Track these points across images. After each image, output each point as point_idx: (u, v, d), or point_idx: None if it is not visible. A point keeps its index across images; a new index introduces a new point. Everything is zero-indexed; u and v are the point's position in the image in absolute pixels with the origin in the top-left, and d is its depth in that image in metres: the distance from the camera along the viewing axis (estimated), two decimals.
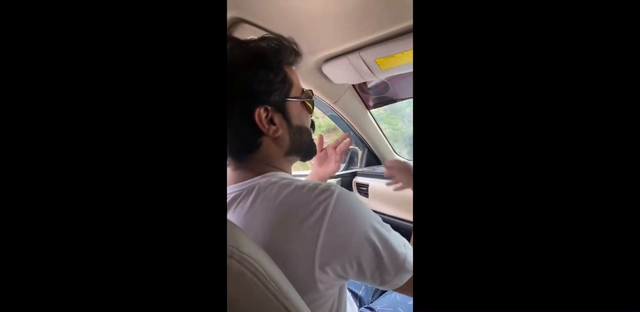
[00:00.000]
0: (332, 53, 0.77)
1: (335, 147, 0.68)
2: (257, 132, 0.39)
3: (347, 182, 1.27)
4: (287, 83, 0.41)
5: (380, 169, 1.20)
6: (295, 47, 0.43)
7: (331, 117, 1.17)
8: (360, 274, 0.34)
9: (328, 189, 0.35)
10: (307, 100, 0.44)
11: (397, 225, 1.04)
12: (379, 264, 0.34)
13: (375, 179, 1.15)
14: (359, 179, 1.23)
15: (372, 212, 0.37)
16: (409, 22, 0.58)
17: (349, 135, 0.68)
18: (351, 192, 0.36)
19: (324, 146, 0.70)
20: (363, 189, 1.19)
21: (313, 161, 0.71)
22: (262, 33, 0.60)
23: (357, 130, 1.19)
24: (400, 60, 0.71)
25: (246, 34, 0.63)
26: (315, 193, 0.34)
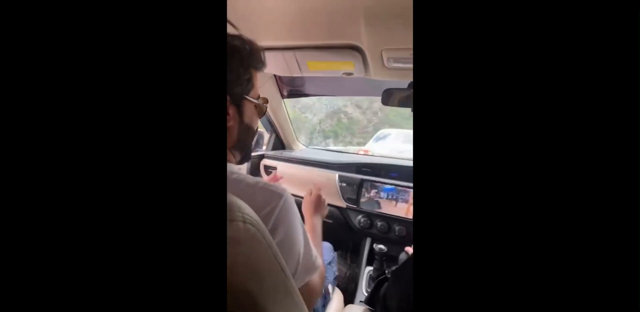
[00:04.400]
0: (270, 45, 0.80)
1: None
2: None
3: (255, 163, 1.31)
4: (250, 83, 0.44)
5: (286, 153, 1.30)
6: (263, 56, 0.46)
7: None
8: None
9: (279, 192, 0.40)
10: (262, 104, 0.47)
11: (299, 203, 1.18)
12: (296, 264, 0.42)
13: (283, 162, 1.25)
14: (266, 162, 1.30)
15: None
16: (347, 41, 0.68)
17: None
18: (293, 200, 0.43)
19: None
20: (270, 171, 1.26)
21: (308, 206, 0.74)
22: None
23: (271, 115, 1.23)
24: (328, 67, 0.80)
25: None
26: (266, 194, 0.40)
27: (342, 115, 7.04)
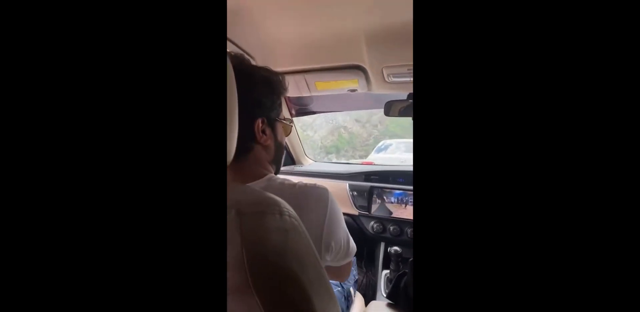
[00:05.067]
0: (281, 71, 0.89)
1: None
2: (252, 138, 0.47)
3: None
4: (281, 107, 0.52)
5: (297, 168, 1.37)
6: (286, 83, 0.54)
7: None
8: (335, 254, 0.49)
9: (324, 188, 0.48)
10: (288, 123, 0.55)
11: None
12: (344, 247, 0.50)
13: (295, 176, 1.31)
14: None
15: None
16: (351, 62, 0.77)
17: None
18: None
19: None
20: None
21: None
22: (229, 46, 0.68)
23: None
24: (335, 86, 0.90)
25: None
26: (317, 190, 0.47)
27: (343, 130, 7.15)
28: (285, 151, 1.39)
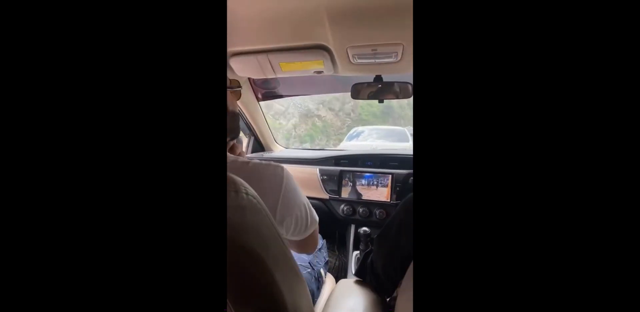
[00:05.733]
0: (243, 50, 0.84)
1: None
2: None
3: None
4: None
5: (266, 155, 1.34)
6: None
7: None
8: (294, 229, 0.49)
9: (278, 166, 0.47)
10: (236, 89, 0.53)
11: None
12: (302, 221, 0.50)
13: None
14: None
15: None
16: (315, 41, 0.74)
17: None
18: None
19: None
20: None
21: None
22: None
23: (248, 118, 1.27)
24: (300, 67, 0.87)
25: None
26: (270, 168, 0.46)
27: (316, 119, 7.13)
28: (252, 138, 1.37)
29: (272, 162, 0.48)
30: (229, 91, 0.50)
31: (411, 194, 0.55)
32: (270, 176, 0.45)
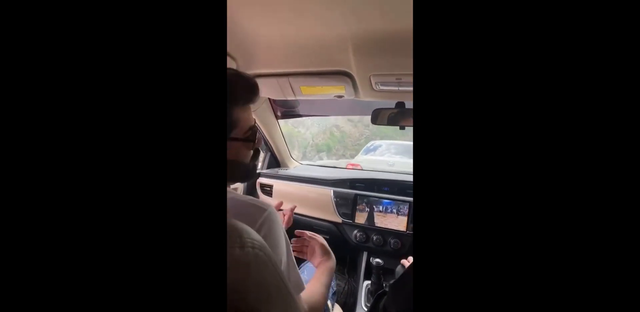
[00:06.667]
0: (265, 72, 0.84)
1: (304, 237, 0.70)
2: None
3: (251, 182, 1.32)
4: (230, 123, 0.42)
5: (281, 171, 1.33)
6: (253, 86, 0.45)
7: None
8: None
9: (260, 207, 0.43)
10: (245, 140, 0.45)
11: (297, 220, 1.20)
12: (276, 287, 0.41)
13: (278, 180, 1.27)
14: (262, 180, 1.31)
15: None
16: (338, 67, 0.73)
17: (292, 208, 0.73)
18: (278, 215, 0.45)
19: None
20: (267, 189, 1.28)
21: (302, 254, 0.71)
22: None
23: (266, 136, 1.27)
24: (321, 91, 0.85)
25: None
26: (250, 209, 0.42)
27: (335, 129, 7.13)
28: (268, 154, 1.37)
29: (259, 202, 0.43)
30: (249, 107, 0.46)
31: None
32: (246, 215, 0.41)
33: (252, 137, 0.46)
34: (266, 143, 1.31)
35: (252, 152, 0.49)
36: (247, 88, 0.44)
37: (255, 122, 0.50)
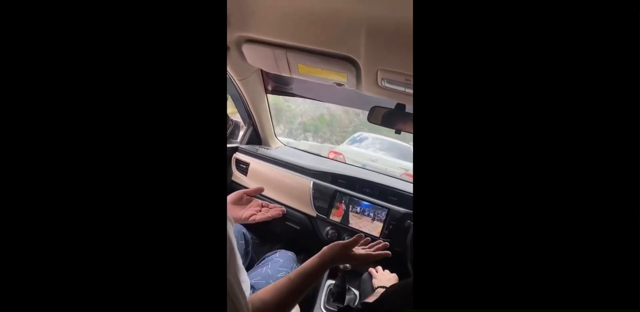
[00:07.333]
0: (260, 38, 0.72)
1: (249, 195, 0.64)
2: None
3: (227, 156, 1.23)
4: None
5: (262, 150, 1.23)
6: None
7: (232, 96, 1.10)
8: None
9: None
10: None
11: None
12: None
13: (257, 159, 1.18)
14: (239, 156, 1.22)
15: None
16: (344, 52, 0.62)
17: (282, 211, 0.62)
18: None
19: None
20: (243, 167, 1.19)
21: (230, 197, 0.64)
22: None
23: (251, 109, 1.16)
24: (319, 73, 0.75)
25: None
26: None
27: (325, 111, 6.98)
28: (250, 128, 1.26)
29: None
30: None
31: (409, 279, 0.45)
32: None
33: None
34: (250, 116, 1.20)
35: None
36: None
37: None
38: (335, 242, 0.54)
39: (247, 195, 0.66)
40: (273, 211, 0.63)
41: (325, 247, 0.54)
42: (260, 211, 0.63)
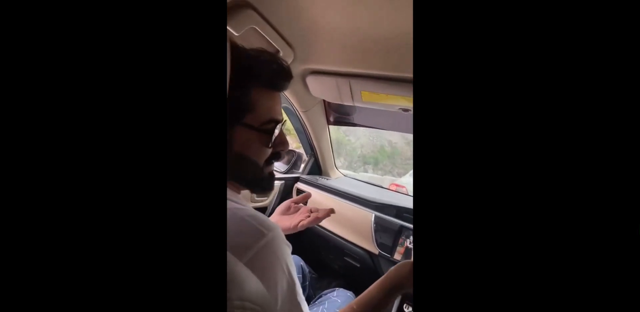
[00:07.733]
0: (323, 69, 0.74)
1: (296, 203, 0.61)
2: None
3: (289, 186, 1.24)
4: (245, 105, 0.36)
5: (322, 180, 1.21)
6: (283, 69, 0.38)
7: (296, 128, 1.15)
8: None
9: (260, 230, 0.33)
10: (260, 131, 0.37)
11: (327, 237, 1.07)
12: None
13: (317, 189, 1.16)
14: (300, 185, 1.22)
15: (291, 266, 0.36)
16: (409, 74, 0.59)
17: (330, 211, 0.58)
18: (283, 241, 0.35)
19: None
20: None
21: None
22: (264, 25, 0.54)
23: (313, 140, 1.18)
24: (383, 100, 0.72)
25: (246, 21, 0.54)
26: (249, 228, 0.33)
27: (386, 144, 6.86)
28: (312, 159, 1.27)
29: (261, 222, 0.34)
30: (244, 129, 0.37)
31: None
32: (237, 236, 0.32)
33: (269, 130, 0.38)
34: (311, 147, 1.22)
35: (268, 152, 0.40)
36: (274, 69, 0.37)
37: (283, 119, 0.40)
38: (405, 262, 0.46)
39: (295, 203, 0.62)
40: (321, 212, 0.57)
41: (391, 269, 0.46)
42: (309, 216, 0.57)
